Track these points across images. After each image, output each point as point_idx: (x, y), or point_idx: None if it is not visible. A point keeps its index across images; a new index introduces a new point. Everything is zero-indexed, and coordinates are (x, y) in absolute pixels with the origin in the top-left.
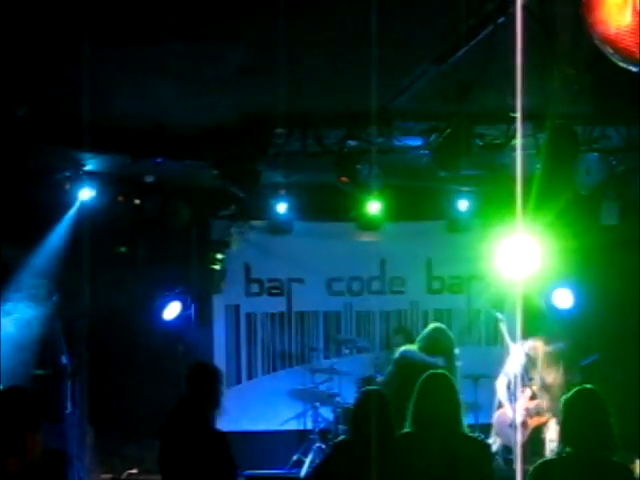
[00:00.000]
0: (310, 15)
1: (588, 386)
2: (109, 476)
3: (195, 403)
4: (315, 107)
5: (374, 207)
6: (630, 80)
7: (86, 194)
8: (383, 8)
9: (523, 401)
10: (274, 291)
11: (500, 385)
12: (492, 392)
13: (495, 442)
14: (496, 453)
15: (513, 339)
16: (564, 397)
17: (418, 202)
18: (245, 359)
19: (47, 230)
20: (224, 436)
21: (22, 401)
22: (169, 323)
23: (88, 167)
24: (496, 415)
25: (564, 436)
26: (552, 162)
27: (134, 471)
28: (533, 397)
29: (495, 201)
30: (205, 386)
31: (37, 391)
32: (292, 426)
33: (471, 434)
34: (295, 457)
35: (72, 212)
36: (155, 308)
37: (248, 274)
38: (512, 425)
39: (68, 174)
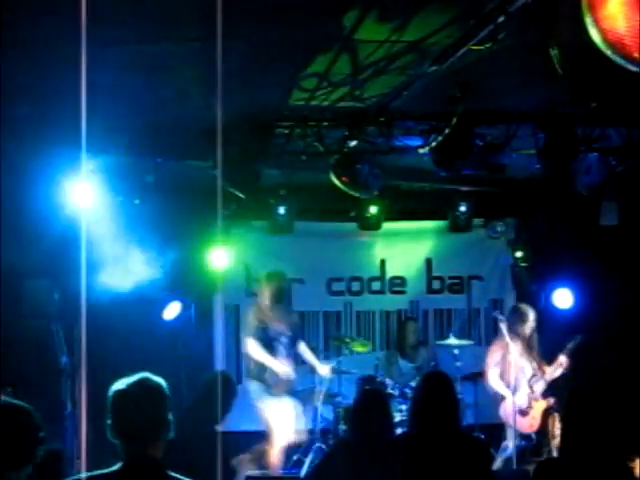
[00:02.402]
0: (310, 14)
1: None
2: None
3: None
4: (315, 107)
5: (374, 207)
6: (630, 80)
7: (86, 194)
8: (383, 7)
9: (524, 385)
10: None
11: (493, 379)
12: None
13: (507, 447)
14: (509, 458)
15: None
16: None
17: (418, 202)
18: (245, 359)
19: (47, 230)
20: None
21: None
22: (169, 323)
23: (88, 167)
24: (501, 409)
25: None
26: (552, 162)
27: None
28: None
29: (495, 201)
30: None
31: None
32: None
33: (471, 434)
34: (295, 457)
35: (70, 212)
36: (155, 308)
37: (248, 274)
38: (520, 410)
39: (68, 174)
